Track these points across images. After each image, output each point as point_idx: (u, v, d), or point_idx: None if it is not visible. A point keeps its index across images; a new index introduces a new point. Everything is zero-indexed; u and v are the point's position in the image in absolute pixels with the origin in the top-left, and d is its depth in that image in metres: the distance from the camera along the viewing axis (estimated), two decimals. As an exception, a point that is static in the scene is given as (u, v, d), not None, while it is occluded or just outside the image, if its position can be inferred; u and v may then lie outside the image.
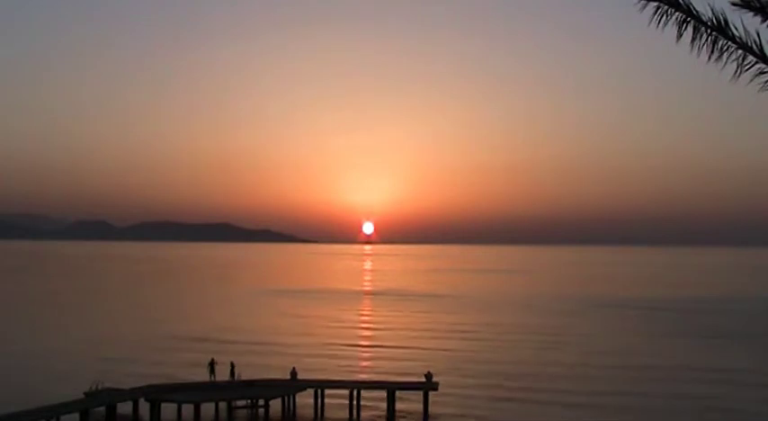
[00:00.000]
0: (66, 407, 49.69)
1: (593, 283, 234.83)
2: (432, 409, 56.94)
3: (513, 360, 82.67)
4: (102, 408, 52.44)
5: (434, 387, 57.94)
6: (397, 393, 57.56)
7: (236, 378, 59.27)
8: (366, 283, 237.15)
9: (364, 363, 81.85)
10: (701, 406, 60.94)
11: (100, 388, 54.53)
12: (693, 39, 17.66)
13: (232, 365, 60.75)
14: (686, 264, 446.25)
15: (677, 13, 17.66)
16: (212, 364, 60.26)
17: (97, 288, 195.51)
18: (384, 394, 57.81)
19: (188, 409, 52.87)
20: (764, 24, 17.20)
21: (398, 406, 56.98)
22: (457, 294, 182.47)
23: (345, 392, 58.35)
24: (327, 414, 56.84)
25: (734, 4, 17.35)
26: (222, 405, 54.85)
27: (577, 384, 69.38)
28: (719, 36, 17.49)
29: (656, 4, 17.72)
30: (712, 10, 17.51)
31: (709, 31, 17.54)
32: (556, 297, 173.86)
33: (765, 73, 17.35)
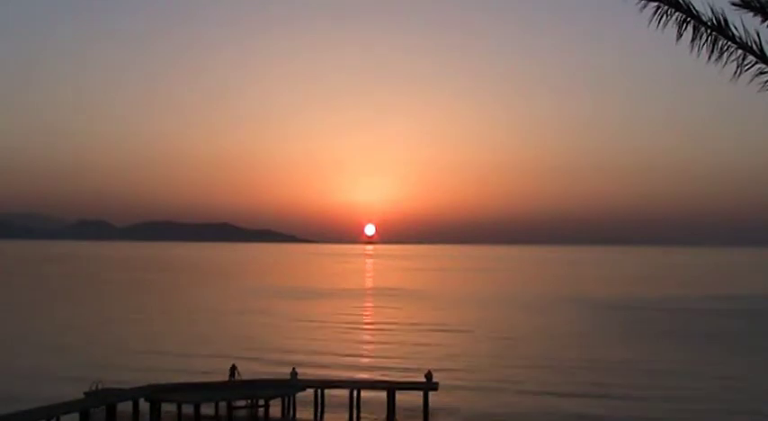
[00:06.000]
0: (66, 407, 49.61)
1: (591, 283, 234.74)
2: (432, 409, 56.90)
3: (514, 359, 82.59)
4: (102, 408, 52.38)
5: (434, 387, 57.90)
6: (397, 393, 57.52)
7: (236, 378, 59.11)
8: (367, 283, 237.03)
9: (364, 363, 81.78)
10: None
11: (100, 388, 54.45)
12: (693, 39, 17.67)
13: (233, 366, 60.59)
14: (685, 264, 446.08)
15: (677, 13, 17.66)
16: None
17: (97, 288, 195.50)
18: (384, 394, 57.79)
19: (188, 409, 52.83)
20: (764, 24, 17.19)
21: (398, 406, 56.95)
22: (457, 293, 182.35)
23: (345, 392, 58.31)
24: (327, 414, 56.80)
25: (734, 4, 17.34)
26: (222, 405, 54.78)
27: (581, 382, 69.28)
28: (719, 36, 17.49)
29: (655, 4, 17.73)
30: (712, 10, 17.50)
31: (709, 31, 17.54)
32: (554, 297, 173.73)
33: (765, 73, 17.33)
